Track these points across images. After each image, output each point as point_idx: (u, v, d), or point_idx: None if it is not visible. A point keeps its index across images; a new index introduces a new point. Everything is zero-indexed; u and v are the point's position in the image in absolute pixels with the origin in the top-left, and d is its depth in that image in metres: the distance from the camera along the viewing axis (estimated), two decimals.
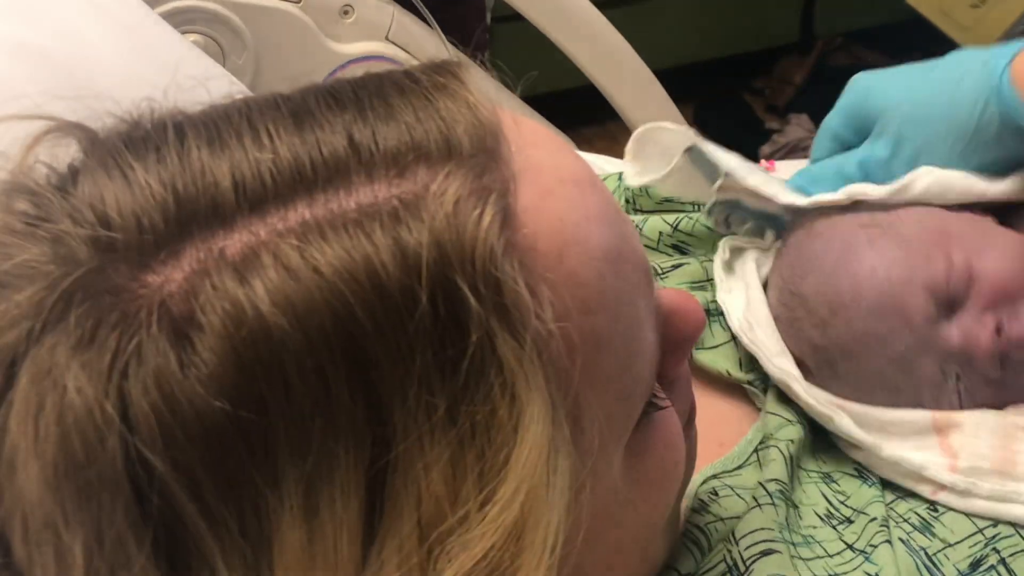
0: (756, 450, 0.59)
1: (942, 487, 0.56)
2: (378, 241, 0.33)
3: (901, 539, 0.53)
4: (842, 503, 0.57)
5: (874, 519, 0.55)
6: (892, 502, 0.56)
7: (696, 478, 0.56)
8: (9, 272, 0.33)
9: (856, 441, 0.58)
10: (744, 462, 0.59)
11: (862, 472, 0.58)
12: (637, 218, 0.73)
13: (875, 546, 0.53)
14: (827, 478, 0.59)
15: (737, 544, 0.52)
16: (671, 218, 0.72)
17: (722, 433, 0.60)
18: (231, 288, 0.32)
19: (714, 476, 0.57)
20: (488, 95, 0.39)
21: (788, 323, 0.63)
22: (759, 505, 0.54)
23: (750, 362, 0.64)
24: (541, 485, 0.33)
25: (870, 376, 0.60)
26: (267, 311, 0.32)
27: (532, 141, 0.39)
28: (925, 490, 0.57)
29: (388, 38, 1.21)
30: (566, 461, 0.35)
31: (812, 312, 0.62)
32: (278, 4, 1.14)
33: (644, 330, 0.40)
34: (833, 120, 0.68)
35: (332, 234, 0.33)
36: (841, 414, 0.59)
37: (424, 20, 1.23)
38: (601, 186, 0.41)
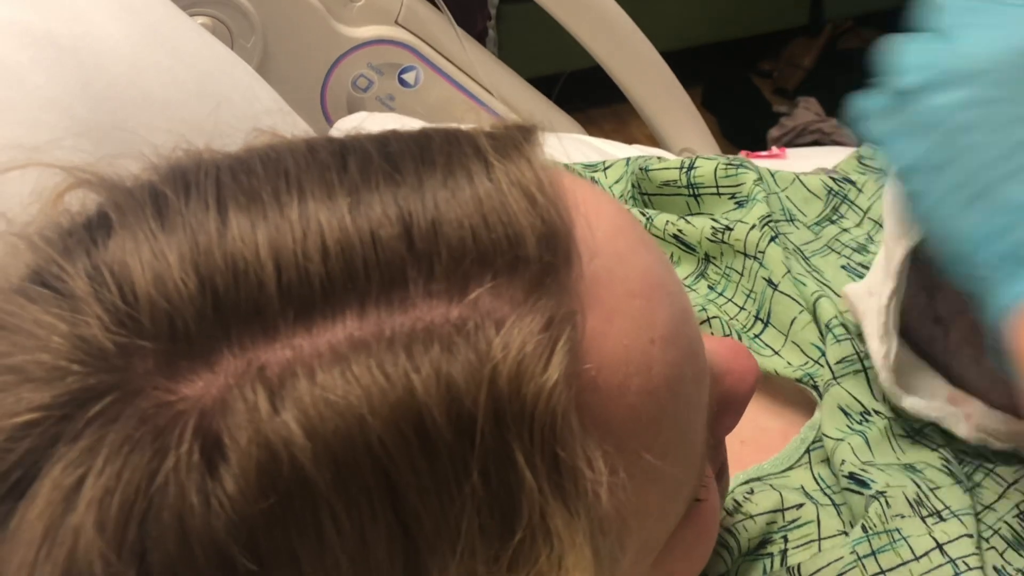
0: (808, 450, 0.57)
1: None
2: (430, 388, 0.29)
3: (996, 567, 0.50)
4: (932, 491, 0.54)
5: (970, 535, 0.51)
6: (981, 512, 0.54)
7: (737, 479, 0.54)
8: (18, 346, 0.29)
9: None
10: (795, 463, 0.57)
11: (950, 470, 0.55)
12: (649, 211, 0.69)
13: (969, 567, 0.49)
14: (910, 468, 0.56)
15: None
16: (676, 221, 0.68)
17: (760, 440, 0.58)
18: (266, 416, 0.28)
19: (757, 479, 0.55)
20: (558, 174, 0.34)
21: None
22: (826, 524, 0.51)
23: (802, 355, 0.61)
24: None
25: None
26: (302, 450, 0.28)
27: (605, 236, 0.34)
28: None
29: (397, 22, 1.21)
30: None
31: None
32: None
33: (697, 437, 0.38)
34: None
35: (380, 362, 0.29)
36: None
37: (434, 3, 1.23)
38: (670, 283, 0.36)
